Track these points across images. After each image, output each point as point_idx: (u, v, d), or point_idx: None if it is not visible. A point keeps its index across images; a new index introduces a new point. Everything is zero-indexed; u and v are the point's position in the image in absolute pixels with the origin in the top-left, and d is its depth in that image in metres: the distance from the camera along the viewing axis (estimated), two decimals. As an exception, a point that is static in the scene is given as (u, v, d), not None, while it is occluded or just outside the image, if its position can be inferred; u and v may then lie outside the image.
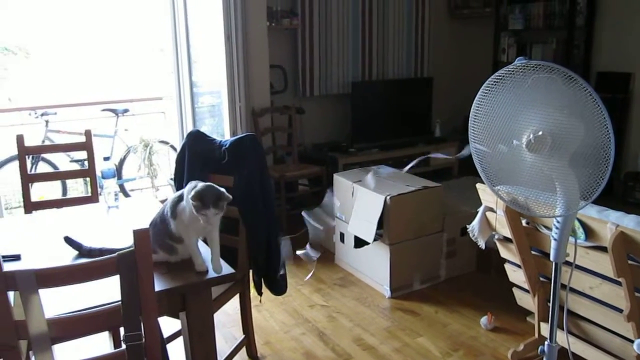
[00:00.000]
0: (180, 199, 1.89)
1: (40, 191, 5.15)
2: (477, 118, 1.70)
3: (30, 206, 2.82)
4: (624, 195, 5.00)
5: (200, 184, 1.84)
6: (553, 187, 1.59)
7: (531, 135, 1.60)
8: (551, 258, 1.75)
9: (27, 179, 2.85)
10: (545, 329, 2.66)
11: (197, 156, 2.73)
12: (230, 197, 1.83)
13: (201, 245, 1.98)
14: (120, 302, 1.39)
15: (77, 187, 5.58)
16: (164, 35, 4.76)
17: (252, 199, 2.54)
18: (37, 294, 1.30)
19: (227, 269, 1.86)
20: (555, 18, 5.46)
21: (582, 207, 1.59)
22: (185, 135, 2.84)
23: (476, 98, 1.69)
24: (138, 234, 1.36)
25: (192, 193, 1.79)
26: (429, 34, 6.04)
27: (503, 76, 1.62)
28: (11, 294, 1.36)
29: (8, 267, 1.82)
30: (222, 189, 1.83)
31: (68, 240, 2.02)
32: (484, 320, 3.02)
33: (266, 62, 4.55)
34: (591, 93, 1.48)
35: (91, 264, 1.33)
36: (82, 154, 4.64)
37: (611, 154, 1.46)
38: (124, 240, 2.02)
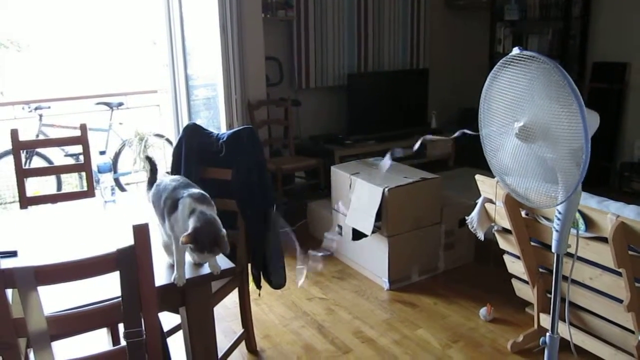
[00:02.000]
0: (175, 203, 1.77)
1: (35, 186, 5.12)
2: (483, 107, 1.69)
3: (25, 201, 2.79)
4: (620, 186, 5.00)
5: (196, 217, 1.66)
6: (556, 178, 1.58)
7: (515, 125, 1.60)
8: (553, 249, 1.74)
9: (23, 174, 2.82)
10: (544, 320, 2.67)
11: (194, 149, 2.70)
12: (227, 245, 1.66)
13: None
14: (120, 299, 1.37)
15: (71, 182, 5.54)
16: (156, 27, 4.73)
17: (251, 192, 2.52)
18: (36, 291, 1.28)
19: (227, 263, 1.85)
20: (551, 8, 5.45)
21: (568, 198, 1.56)
22: (181, 128, 2.82)
23: (484, 88, 1.67)
24: (138, 229, 1.34)
25: (188, 231, 1.62)
26: (424, 25, 6.01)
27: (502, 67, 1.60)
28: (9, 291, 1.34)
29: (5, 263, 1.80)
30: (222, 230, 1.66)
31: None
32: (483, 311, 3.02)
33: (262, 54, 4.52)
34: (563, 80, 1.45)
35: (91, 260, 1.31)
36: (77, 148, 4.61)
37: (586, 145, 1.43)
38: (123, 235, 2.00)
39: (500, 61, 1.59)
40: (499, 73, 1.61)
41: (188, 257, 1.84)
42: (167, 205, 1.80)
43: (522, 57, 1.54)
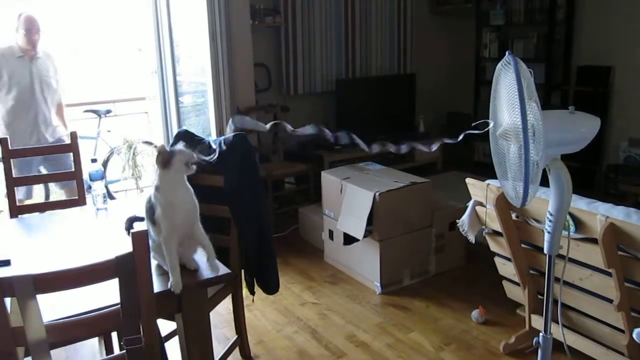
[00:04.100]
0: (150, 201, 1.85)
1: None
2: (490, 111, 1.72)
3: (16, 210, 2.77)
4: (606, 187, 5.07)
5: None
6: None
7: (491, 126, 1.64)
8: (545, 251, 1.76)
9: (13, 183, 2.80)
10: (535, 321, 2.69)
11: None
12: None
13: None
14: (119, 306, 1.37)
15: (56, 189, 5.49)
16: (143, 34, 4.72)
17: (243, 197, 2.53)
18: (35, 299, 1.28)
19: (223, 269, 1.85)
20: (535, 13, 5.52)
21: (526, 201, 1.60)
22: (170, 135, 2.82)
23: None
24: (136, 236, 1.34)
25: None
26: (411, 31, 6.06)
27: (498, 72, 1.63)
28: (8, 300, 1.33)
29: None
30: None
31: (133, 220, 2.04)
32: (475, 313, 3.04)
33: (250, 61, 4.53)
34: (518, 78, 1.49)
35: (90, 268, 1.31)
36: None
37: (525, 139, 1.49)
38: (117, 243, 2.01)
39: (497, 67, 1.62)
40: (497, 79, 1.64)
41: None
42: (147, 208, 1.85)
43: (505, 62, 1.58)
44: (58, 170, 3.83)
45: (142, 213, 1.92)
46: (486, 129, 1.70)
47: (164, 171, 1.81)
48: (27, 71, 3.83)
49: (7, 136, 2.82)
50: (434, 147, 1.90)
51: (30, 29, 3.76)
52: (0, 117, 3.82)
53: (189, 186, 1.89)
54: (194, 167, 1.85)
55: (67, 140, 3.97)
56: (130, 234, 1.34)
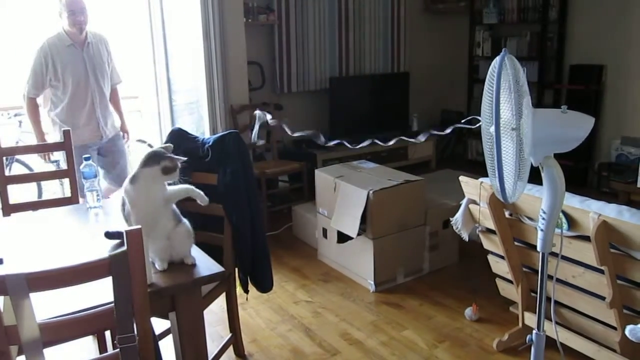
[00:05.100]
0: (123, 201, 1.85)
1: (14, 193, 5.03)
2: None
3: (8, 209, 2.76)
4: (599, 185, 5.10)
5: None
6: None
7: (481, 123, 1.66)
8: (538, 248, 1.77)
9: (5, 181, 2.79)
10: (529, 319, 2.71)
11: (179, 154, 2.69)
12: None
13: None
14: (113, 304, 1.37)
15: (49, 188, 5.47)
16: (136, 32, 4.69)
17: (237, 196, 2.53)
18: (28, 298, 1.28)
19: (216, 267, 1.85)
20: (528, 12, 5.55)
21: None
22: (163, 134, 2.81)
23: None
24: (131, 234, 1.34)
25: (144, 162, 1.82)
26: (405, 29, 6.07)
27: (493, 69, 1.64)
28: (0, 299, 1.33)
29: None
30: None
31: (109, 235, 2.03)
32: (468, 311, 3.05)
33: (244, 59, 4.52)
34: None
35: (83, 266, 1.31)
36: (57, 154, 4.54)
37: (496, 130, 1.54)
38: (110, 241, 1.99)
39: (491, 64, 1.63)
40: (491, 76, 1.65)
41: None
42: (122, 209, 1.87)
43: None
44: (110, 163, 3.80)
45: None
46: (478, 125, 1.71)
47: (145, 169, 1.80)
48: (80, 61, 3.51)
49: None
50: (424, 139, 1.92)
51: (74, 10, 3.41)
52: (56, 116, 3.56)
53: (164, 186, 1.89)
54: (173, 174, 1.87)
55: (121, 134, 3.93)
56: (124, 231, 1.33)
